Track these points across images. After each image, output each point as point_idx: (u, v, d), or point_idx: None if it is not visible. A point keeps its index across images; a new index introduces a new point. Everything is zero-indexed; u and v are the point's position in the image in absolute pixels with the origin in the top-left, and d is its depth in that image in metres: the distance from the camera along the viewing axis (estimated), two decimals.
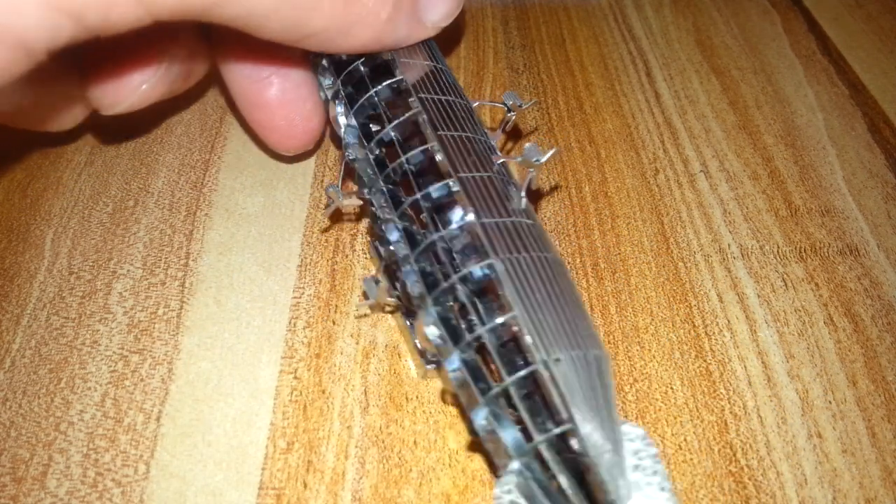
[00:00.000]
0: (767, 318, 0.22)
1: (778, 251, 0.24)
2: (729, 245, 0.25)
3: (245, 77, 0.24)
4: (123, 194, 0.27)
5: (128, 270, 0.24)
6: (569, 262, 0.24)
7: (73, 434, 0.20)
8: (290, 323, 0.22)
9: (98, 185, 0.27)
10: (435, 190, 0.19)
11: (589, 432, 0.15)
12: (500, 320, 0.16)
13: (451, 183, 0.18)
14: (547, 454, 0.15)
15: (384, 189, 0.20)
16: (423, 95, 0.20)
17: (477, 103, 0.22)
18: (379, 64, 0.22)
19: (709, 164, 0.28)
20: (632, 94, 0.31)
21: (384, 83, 0.21)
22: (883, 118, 0.29)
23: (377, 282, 0.20)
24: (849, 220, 0.25)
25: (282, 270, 0.24)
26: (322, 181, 0.27)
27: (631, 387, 0.21)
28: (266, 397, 0.21)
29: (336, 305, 0.23)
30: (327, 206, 0.21)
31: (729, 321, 0.22)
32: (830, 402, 0.20)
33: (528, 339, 0.16)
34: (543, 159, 0.19)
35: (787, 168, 0.27)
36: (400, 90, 0.21)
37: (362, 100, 0.21)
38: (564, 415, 0.15)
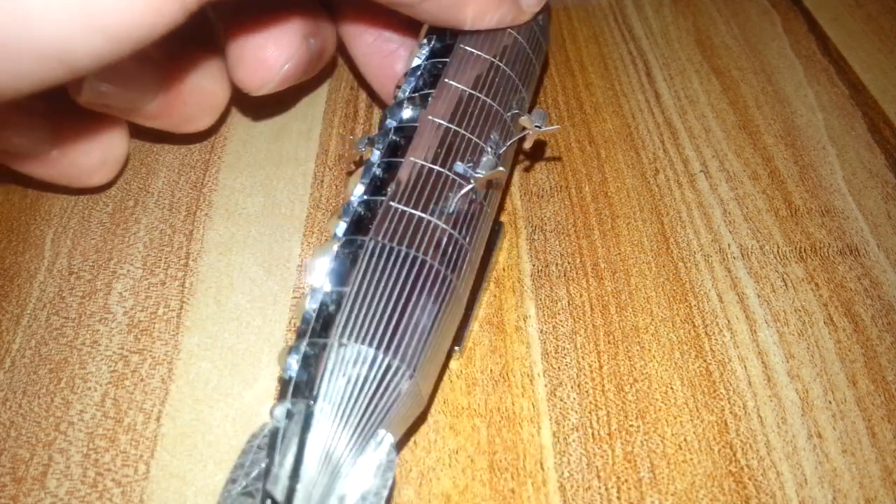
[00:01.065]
0: (767, 318, 0.22)
1: (778, 251, 0.24)
2: (729, 245, 0.25)
3: (374, 52, 0.25)
4: (123, 194, 0.27)
5: (128, 270, 0.24)
6: (569, 262, 0.24)
7: (73, 434, 0.20)
8: (290, 323, 0.22)
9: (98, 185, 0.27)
10: (383, 161, 0.20)
11: (316, 421, 0.15)
12: (326, 288, 0.17)
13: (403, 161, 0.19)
14: (278, 421, 0.16)
15: (375, 148, 0.21)
16: (452, 82, 0.21)
17: (511, 113, 0.22)
18: (448, 45, 0.22)
19: (709, 164, 0.28)
20: (632, 94, 0.31)
21: (431, 61, 0.22)
22: (883, 118, 0.29)
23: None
24: (849, 220, 0.25)
25: (282, 270, 0.24)
26: (322, 182, 0.27)
27: (631, 387, 0.21)
28: (266, 397, 0.21)
29: None
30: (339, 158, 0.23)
31: (729, 321, 0.22)
32: (830, 402, 0.20)
33: (338, 315, 0.16)
34: (543, 129, 0.21)
35: (787, 168, 0.27)
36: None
37: (411, 66, 0.22)
38: (311, 393, 0.16)
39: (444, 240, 0.18)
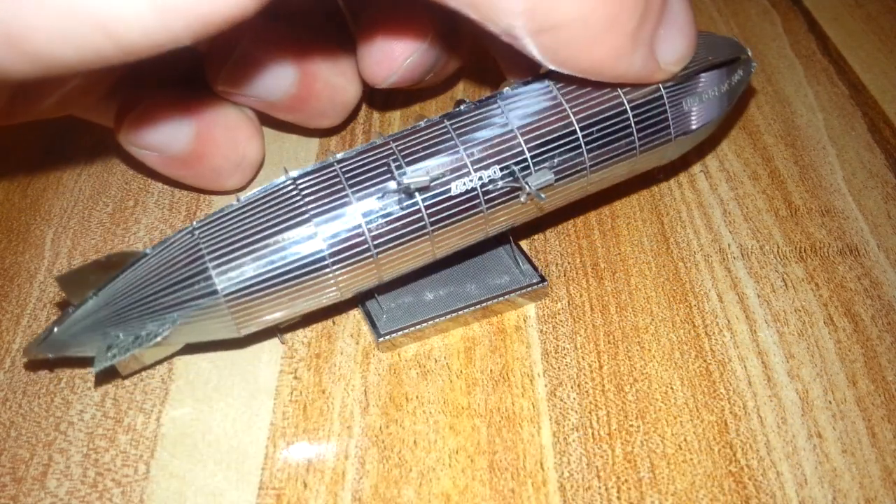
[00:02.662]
0: (767, 318, 0.22)
1: (778, 251, 0.24)
2: (729, 245, 0.25)
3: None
4: (123, 194, 0.27)
5: None
6: (569, 262, 0.24)
7: (73, 434, 0.20)
8: None
9: (98, 185, 0.27)
10: (376, 135, 0.20)
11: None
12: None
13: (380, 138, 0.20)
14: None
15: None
16: (502, 104, 0.20)
17: (541, 167, 0.20)
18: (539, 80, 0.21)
19: (709, 164, 0.28)
20: None
21: (510, 85, 0.21)
22: (883, 118, 0.29)
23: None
24: (849, 220, 0.25)
25: None
26: None
27: (631, 387, 0.21)
28: (266, 397, 0.21)
29: (336, 305, 0.23)
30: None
31: (729, 321, 0.22)
32: (830, 402, 0.20)
33: (215, 213, 0.19)
34: (531, 190, 0.19)
35: (787, 168, 0.27)
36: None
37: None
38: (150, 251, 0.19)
39: (349, 230, 0.18)
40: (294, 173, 0.19)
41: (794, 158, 0.28)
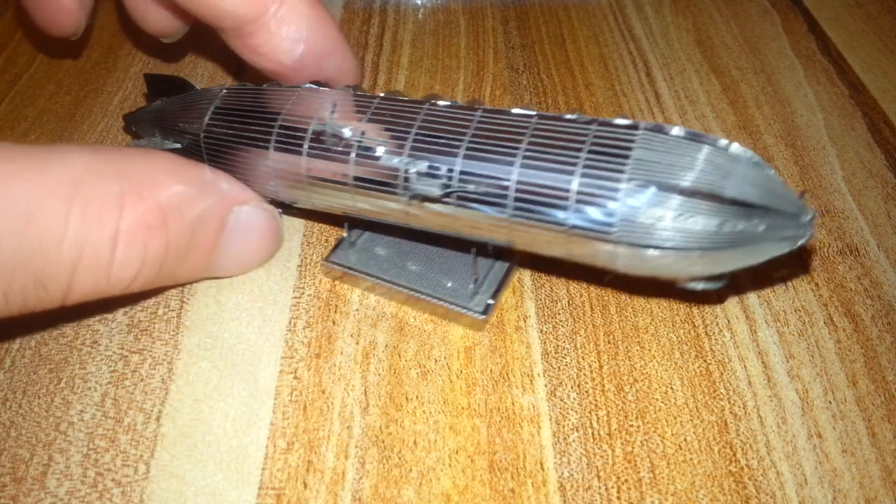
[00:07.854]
0: (767, 318, 0.22)
1: None
2: None
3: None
4: None
5: None
6: (568, 261, 0.24)
7: (73, 434, 0.20)
8: (290, 323, 0.22)
9: None
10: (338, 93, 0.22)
11: None
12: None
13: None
14: None
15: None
16: (479, 114, 0.20)
17: (462, 185, 0.19)
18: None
19: None
20: (632, 94, 0.31)
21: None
22: (883, 118, 0.30)
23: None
24: (849, 220, 0.25)
25: (282, 270, 0.24)
26: None
27: (631, 387, 0.21)
28: (266, 397, 0.21)
29: (336, 305, 0.23)
30: None
31: (729, 321, 0.22)
32: (830, 402, 0.20)
33: None
34: (411, 183, 0.19)
35: (787, 168, 0.27)
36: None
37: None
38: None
39: (297, 142, 0.21)
40: (306, 83, 0.22)
41: (794, 158, 0.28)
